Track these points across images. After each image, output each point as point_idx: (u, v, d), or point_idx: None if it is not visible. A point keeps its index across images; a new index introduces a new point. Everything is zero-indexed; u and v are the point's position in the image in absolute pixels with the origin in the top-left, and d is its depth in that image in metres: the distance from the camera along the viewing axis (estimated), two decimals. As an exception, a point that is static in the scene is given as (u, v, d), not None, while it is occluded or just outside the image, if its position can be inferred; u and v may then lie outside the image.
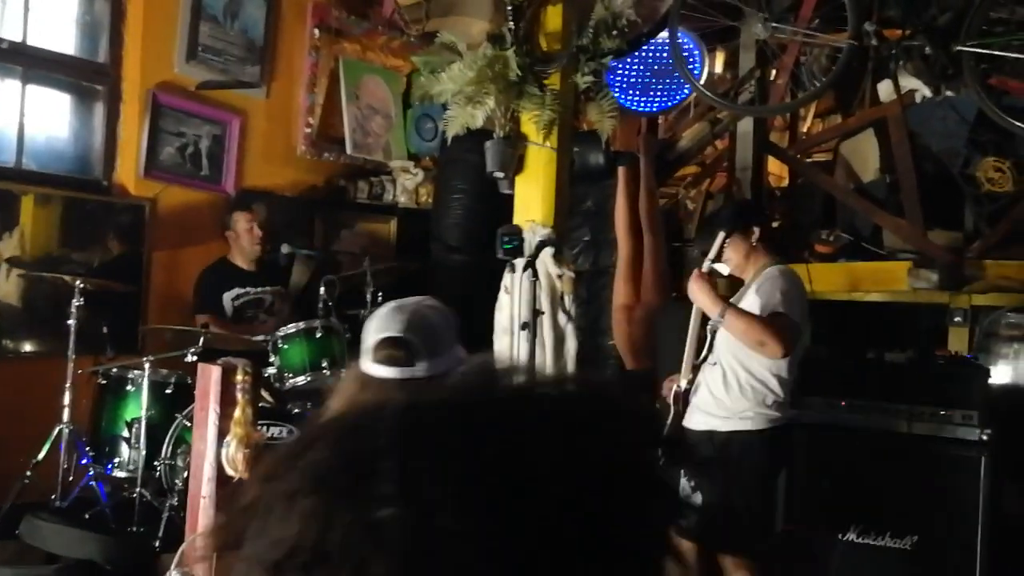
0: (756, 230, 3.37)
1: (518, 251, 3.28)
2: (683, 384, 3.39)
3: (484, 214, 5.29)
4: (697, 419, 3.36)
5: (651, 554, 0.58)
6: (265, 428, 3.64)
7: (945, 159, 5.02)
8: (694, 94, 5.20)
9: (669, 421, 3.37)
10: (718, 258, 3.28)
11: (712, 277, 3.34)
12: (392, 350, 1.55)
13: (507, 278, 4.01)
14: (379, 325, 1.61)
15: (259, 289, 4.80)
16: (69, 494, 4.00)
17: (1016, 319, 4.99)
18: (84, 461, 4.06)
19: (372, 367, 1.57)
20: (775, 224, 5.85)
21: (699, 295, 3.25)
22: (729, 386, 3.29)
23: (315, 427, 0.61)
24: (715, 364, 3.34)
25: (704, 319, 3.37)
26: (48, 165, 4.80)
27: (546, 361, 3.87)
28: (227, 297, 4.71)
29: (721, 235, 3.27)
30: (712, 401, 3.33)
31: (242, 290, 4.75)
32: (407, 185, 5.89)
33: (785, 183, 6.26)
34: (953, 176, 4.94)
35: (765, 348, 3.12)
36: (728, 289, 3.75)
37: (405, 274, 5.11)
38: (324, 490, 0.54)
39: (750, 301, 3.26)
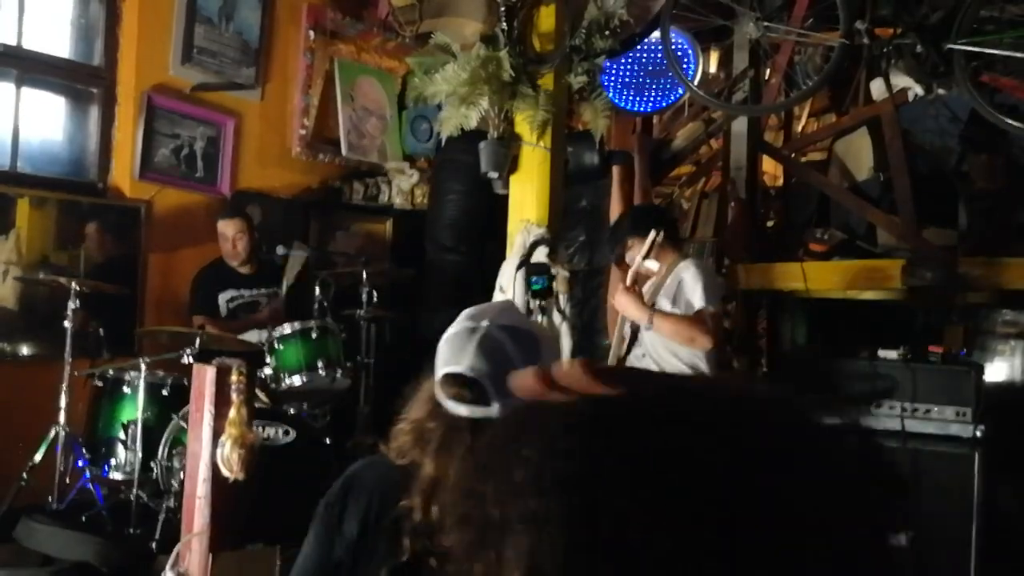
0: (660, 232, 3.58)
1: (547, 291, 3.30)
2: None
3: (479, 214, 5.30)
4: None
5: None
6: (261, 428, 3.66)
7: (938, 157, 5.04)
8: (688, 94, 5.21)
9: None
10: (648, 255, 3.47)
11: (637, 286, 3.53)
12: (460, 389, 1.39)
13: (502, 277, 4.02)
14: (448, 353, 1.43)
15: (253, 292, 4.80)
16: (65, 496, 4.00)
17: (1010, 316, 5.01)
18: (80, 463, 4.06)
19: (443, 398, 1.42)
20: (770, 223, 5.87)
21: (628, 307, 3.49)
22: None
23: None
24: (644, 356, 3.58)
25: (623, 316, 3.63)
26: (43, 168, 4.80)
27: (541, 360, 3.88)
28: (222, 299, 4.72)
29: (653, 233, 3.45)
30: None
31: (236, 292, 4.75)
32: (402, 186, 5.90)
33: (779, 182, 6.28)
34: (946, 174, 4.95)
35: (695, 343, 3.40)
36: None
37: (400, 278, 5.12)
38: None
39: (669, 294, 3.52)
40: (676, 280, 3.54)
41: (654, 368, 3.52)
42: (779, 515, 0.52)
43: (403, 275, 5.14)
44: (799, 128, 6.77)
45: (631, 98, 5.18)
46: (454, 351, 1.41)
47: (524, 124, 4.11)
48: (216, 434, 2.82)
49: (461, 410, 1.39)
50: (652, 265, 3.54)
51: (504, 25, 3.99)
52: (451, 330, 1.46)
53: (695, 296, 3.43)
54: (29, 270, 4.49)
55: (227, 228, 4.75)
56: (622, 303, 3.51)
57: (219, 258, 4.83)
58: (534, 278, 3.28)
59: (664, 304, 3.53)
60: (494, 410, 1.37)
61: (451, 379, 1.39)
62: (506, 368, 1.33)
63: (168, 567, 2.53)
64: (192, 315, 4.65)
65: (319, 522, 1.52)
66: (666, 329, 3.43)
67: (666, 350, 3.53)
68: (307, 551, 1.54)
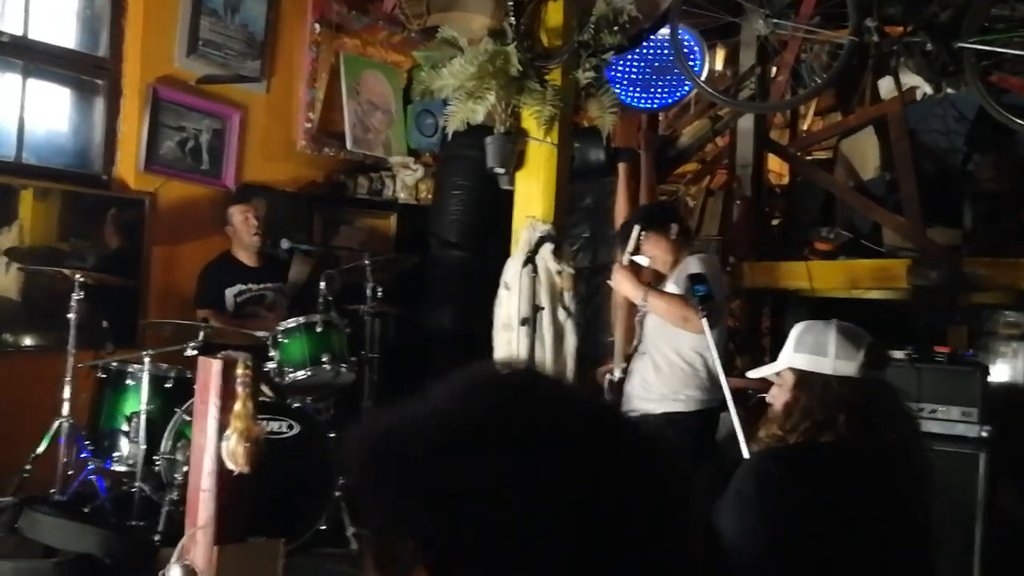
0: (674, 227, 3.61)
1: (711, 297, 3.28)
2: (617, 373, 3.61)
3: (484, 210, 5.29)
4: (632, 405, 3.55)
5: None
6: (264, 422, 3.65)
7: (945, 157, 5.03)
8: (695, 90, 5.20)
9: None
10: (636, 251, 3.46)
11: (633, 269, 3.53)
12: (884, 353, 1.93)
13: (507, 274, 4.01)
14: (845, 337, 1.92)
15: (261, 286, 4.79)
16: (68, 488, 4.00)
17: (1014, 317, 5.00)
18: (83, 455, 4.05)
19: (865, 370, 1.89)
20: (774, 221, 5.86)
21: (623, 284, 3.49)
22: (659, 370, 3.48)
23: None
24: (644, 354, 3.55)
25: (631, 310, 3.63)
26: (48, 159, 4.79)
27: (545, 357, 3.87)
28: (229, 293, 4.71)
29: (636, 229, 3.46)
30: (643, 387, 3.55)
31: (244, 286, 4.74)
32: (407, 181, 5.89)
33: (785, 180, 6.26)
34: (952, 174, 4.95)
35: (688, 323, 3.31)
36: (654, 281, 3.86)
37: (404, 269, 5.10)
38: None
39: (671, 288, 3.51)
40: (678, 273, 3.53)
41: (650, 364, 3.54)
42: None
43: (407, 261, 5.10)
44: (805, 127, 6.76)
45: (638, 95, 5.18)
46: (853, 333, 1.95)
47: (531, 119, 4.10)
48: (221, 427, 2.82)
49: (881, 373, 1.93)
50: (641, 260, 3.55)
51: (512, 20, 3.97)
52: (828, 329, 1.96)
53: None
54: (33, 261, 4.48)
55: (248, 210, 4.80)
56: (617, 280, 3.50)
57: (225, 252, 4.83)
58: (697, 287, 3.23)
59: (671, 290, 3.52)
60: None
61: (877, 347, 1.92)
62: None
63: (173, 559, 2.52)
64: (196, 308, 4.64)
65: None
66: (660, 307, 3.41)
67: (665, 345, 3.51)
68: None
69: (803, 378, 1.96)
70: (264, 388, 3.99)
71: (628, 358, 3.62)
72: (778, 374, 2.05)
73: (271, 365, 4.23)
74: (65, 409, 3.99)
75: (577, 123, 4.52)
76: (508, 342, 3.91)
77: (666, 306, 3.39)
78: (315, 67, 5.73)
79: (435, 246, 5.52)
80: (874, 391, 1.89)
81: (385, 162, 5.99)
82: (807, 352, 1.96)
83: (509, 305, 3.91)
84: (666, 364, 3.49)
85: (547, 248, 3.94)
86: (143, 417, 3.96)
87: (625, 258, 3.49)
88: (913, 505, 1.91)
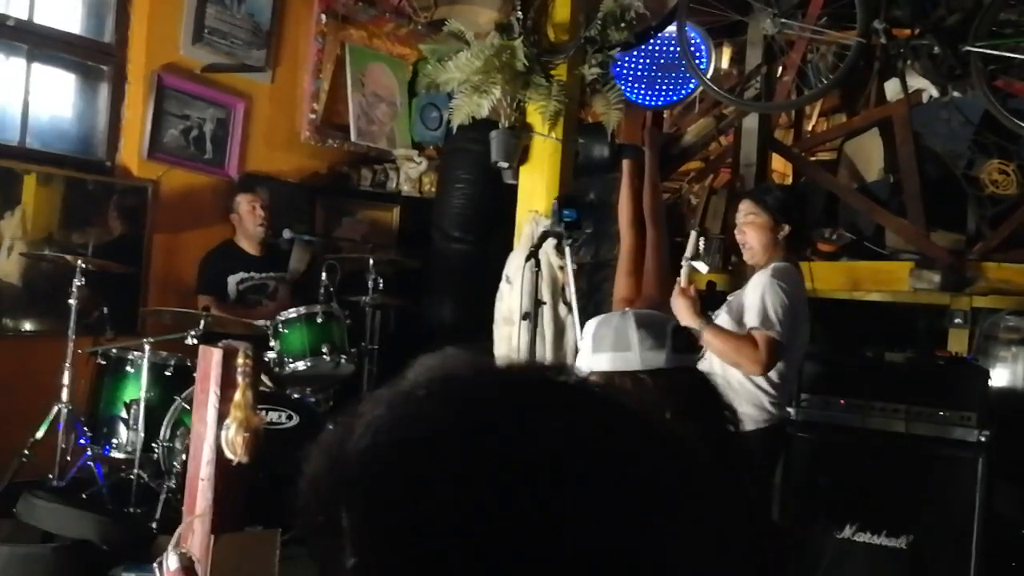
0: (787, 228, 3.27)
1: (577, 225, 2.95)
2: None
3: (487, 204, 5.29)
4: None
5: None
6: (264, 412, 3.64)
7: (949, 160, 5.02)
8: (700, 89, 5.18)
9: None
10: (695, 256, 3.18)
11: (694, 286, 3.21)
12: (689, 336, 1.72)
13: (509, 268, 4.01)
14: (647, 325, 1.72)
15: (263, 274, 4.80)
16: (66, 474, 4.01)
17: (1015, 322, 4.99)
18: (82, 441, 4.06)
19: (673, 357, 1.70)
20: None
21: (681, 312, 3.15)
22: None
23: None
24: (704, 358, 3.27)
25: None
26: (51, 144, 4.79)
27: (546, 352, 3.87)
28: (232, 280, 4.72)
29: (694, 233, 3.19)
30: None
31: (247, 275, 4.75)
32: (410, 174, 5.89)
33: (789, 181, 6.25)
34: (956, 178, 4.94)
35: (741, 368, 3.07)
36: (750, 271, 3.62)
37: (406, 266, 5.11)
38: None
39: (743, 295, 3.20)
40: (754, 282, 3.18)
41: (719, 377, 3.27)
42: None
43: (408, 262, 5.12)
44: (809, 127, 6.75)
45: (643, 92, 5.16)
46: (654, 320, 1.75)
47: (536, 114, 4.10)
48: (221, 416, 2.82)
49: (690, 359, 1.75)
50: (700, 267, 3.27)
51: (519, 14, 3.97)
52: (600, 323, 1.75)
53: (751, 312, 3.07)
54: (34, 246, 4.49)
55: (255, 200, 4.81)
56: (676, 306, 3.16)
57: (227, 240, 4.83)
58: (566, 211, 2.86)
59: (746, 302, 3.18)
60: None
61: (683, 330, 1.76)
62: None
63: (170, 547, 2.52)
64: (197, 295, 4.65)
65: None
66: (714, 346, 3.09)
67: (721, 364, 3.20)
68: None
69: (611, 381, 1.70)
70: (264, 378, 4.00)
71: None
72: None
73: (271, 355, 4.23)
74: (64, 395, 3.99)
75: (582, 119, 4.51)
76: (509, 336, 3.91)
77: (720, 347, 3.08)
78: (320, 58, 5.73)
79: (437, 239, 5.52)
80: (689, 378, 1.72)
81: (389, 154, 5.98)
82: (609, 350, 1.73)
83: (510, 299, 3.91)
84: (727, 380, 3.10)
85: (550, 243, 3.93)
86: (142, 404, 3.96)
87: (685, 261, 3.18)
88: (751, 503, 1.74)
